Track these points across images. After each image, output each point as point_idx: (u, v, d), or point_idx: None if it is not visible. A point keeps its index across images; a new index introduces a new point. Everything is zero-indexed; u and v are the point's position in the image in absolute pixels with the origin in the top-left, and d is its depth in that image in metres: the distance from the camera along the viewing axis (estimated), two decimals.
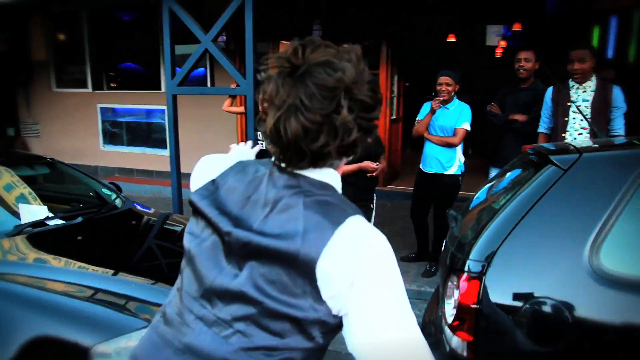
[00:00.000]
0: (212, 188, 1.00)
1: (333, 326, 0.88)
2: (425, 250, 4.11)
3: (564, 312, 1.49)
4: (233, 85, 4.50)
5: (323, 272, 0.83)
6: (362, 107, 0.86)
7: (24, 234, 2.64)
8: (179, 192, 4.96)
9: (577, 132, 3.12)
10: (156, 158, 7.46)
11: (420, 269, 4.08)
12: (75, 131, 7.92)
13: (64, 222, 2.87)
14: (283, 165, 0.90)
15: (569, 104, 3.12)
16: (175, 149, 4.85)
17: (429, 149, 3.70)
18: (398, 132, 6.90)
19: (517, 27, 7.94)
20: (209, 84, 6.34)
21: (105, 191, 3.59)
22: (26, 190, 3.22)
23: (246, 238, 0.88)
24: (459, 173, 3.68)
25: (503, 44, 9.23)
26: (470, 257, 1.65)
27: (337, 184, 0.95)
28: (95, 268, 2.37)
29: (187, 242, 1.00)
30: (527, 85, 3.66)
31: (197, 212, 0.99)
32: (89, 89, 7.74)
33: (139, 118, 7.61)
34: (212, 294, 0.92)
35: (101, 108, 7.72)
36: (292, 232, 0.85)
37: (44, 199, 3.18)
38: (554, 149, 1.90)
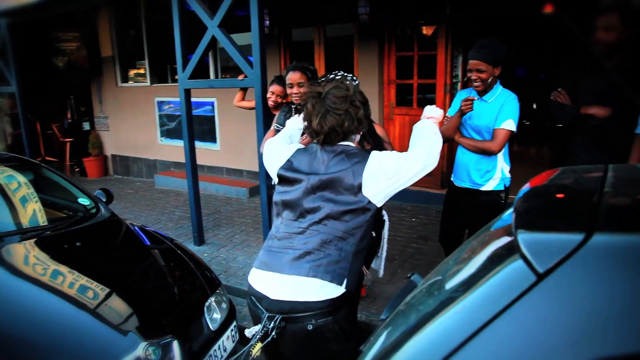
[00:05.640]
0: (289, 164, 1.76)
1: (373, 210, 1.68)
2: None
3: None
4: (241, 77, 3.91)
5: (365, 182, 1.62)
6: (358, 105, 1.72)
7: None
8: (196, 191, 4.51)
9: None
10: (207, 152, 7.20)
11: None
12: (136, 125, 7.99)
13: None
14: (329, 144, 1.72)
15: None
16: (190, 146, 4.41)
17: (461, 156, 2.75)
18: None
19: None
20: (212, 76, 5.81)
21: (84, 201, 3.20)
22: None
23: (318, 178, 1.66)
24: (501, 188, 2.67)
25: None
26: None
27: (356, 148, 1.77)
28: None
29: (279, 197, 1.77)
30: (614, 64, 2.50)
31: (284, 179, 1.76)
32: (147, 83, 7.72)
33: (194, 111, 7.39)
34: (305, 212, 1.68)
35: (158, 102, 7.65)
36: (344, 168, 1.64)
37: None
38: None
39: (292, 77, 2.98)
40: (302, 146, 1.86)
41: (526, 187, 1.11)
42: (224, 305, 2.56)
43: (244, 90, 4.16)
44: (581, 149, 2.56)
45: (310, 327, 1.58)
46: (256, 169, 6.95)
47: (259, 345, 1.62)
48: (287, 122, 2.25)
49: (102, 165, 8.75)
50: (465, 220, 2.87)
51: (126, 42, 7.93)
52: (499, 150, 2.57)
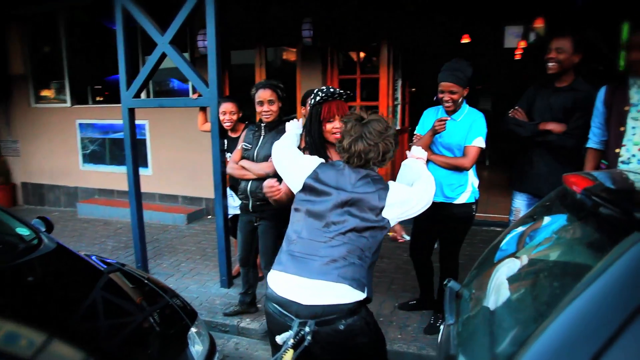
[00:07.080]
0: (315, 174, 1.93)
1: (388, 229, 1.88)
2: (429, 296, 3.25)
3: None
4: (194, 96, 3.75)
5: (387, 206, 1.83)
6: (389, 145, 1.92)
7: None
8: (140, 217, 4.20)
9: (638, 147, 2.25)
10: None
11: (422, 322, 3.23)
12: (54, 149, 7.30)
13: None
14: (350, 164, 1.92)
15: (627, 108, 2.27)
16: (135, 170, 4.12)
17: (433, 172, 2.81)
18: (403, 144, 6.03)
19: (539, 23, 7.06)
20: (142, 96, 5.55)
21: (23, 231, 2.82)
22: None
23: (347, 195, 1.84)
24: (472, 201, 2.81)
25: (523, 44, 8.35)
26: None
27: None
28: None
29: (303, 205, 1.91)
30: (565, 85, 2.77)
31: (311, 188, 1.91)
32: (68, 104, 7.12)
33: (120, 134, 6.89)
34: (331, 223, 1.82)
35: (80, 124, 7.08)
36: (370, 191, 1.84)
37: None
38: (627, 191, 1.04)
39: (263, 94, 2.91)
40: (322, 160, 2.02)
41: (581, 188, 1.17)
42: (203, 337, 2.37)
43: (204, 111, 3.95)
44: (540, 160, 2.79)
45: (341, 327, 1.70)
46: (193, 193, 6.66)
47: (291, 352, 1.64)
48: (288, 125, 2.40)
49: (10, 195, 7.83)
50: (436, 232, 2.97)
51: (42, 60, 7.28)
52: (471, 166, 2.72)
